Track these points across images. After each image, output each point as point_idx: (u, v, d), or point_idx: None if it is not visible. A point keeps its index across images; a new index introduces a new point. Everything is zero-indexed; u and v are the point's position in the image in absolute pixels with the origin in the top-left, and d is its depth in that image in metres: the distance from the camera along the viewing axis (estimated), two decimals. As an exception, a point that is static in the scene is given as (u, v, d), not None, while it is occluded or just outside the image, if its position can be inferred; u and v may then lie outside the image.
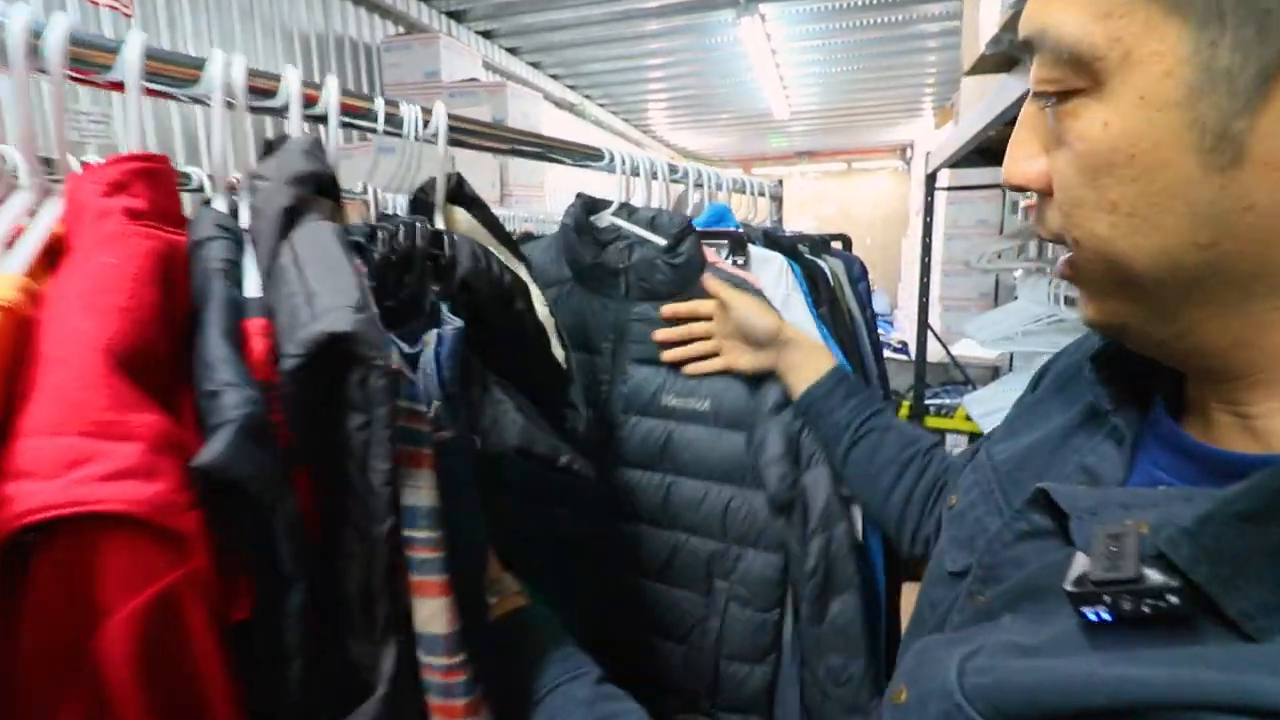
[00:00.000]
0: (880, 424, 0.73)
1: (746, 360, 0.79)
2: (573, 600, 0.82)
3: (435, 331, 0.46)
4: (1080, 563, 0.32)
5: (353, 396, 0.35)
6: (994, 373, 2.91)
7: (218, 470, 0.28)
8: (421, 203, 0.70)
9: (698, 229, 0.87)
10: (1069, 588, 0.31)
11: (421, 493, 0.40)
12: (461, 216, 0.75)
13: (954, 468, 0.67)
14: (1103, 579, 0.30)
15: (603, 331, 0.86)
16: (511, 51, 3.44)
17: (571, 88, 4.11)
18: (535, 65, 3.67)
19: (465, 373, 0.47)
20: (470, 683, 0.43)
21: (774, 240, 1.08)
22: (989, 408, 1.88)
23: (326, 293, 0.35)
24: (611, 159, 0.93)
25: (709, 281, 0.81)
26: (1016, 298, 2.13)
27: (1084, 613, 0.31)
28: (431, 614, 0.40)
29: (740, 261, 0.93)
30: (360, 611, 0.37)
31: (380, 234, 0.46)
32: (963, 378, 2.76)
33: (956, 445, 2.61)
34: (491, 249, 0.61)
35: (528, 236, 1.36)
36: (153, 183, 0.43)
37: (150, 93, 0.49)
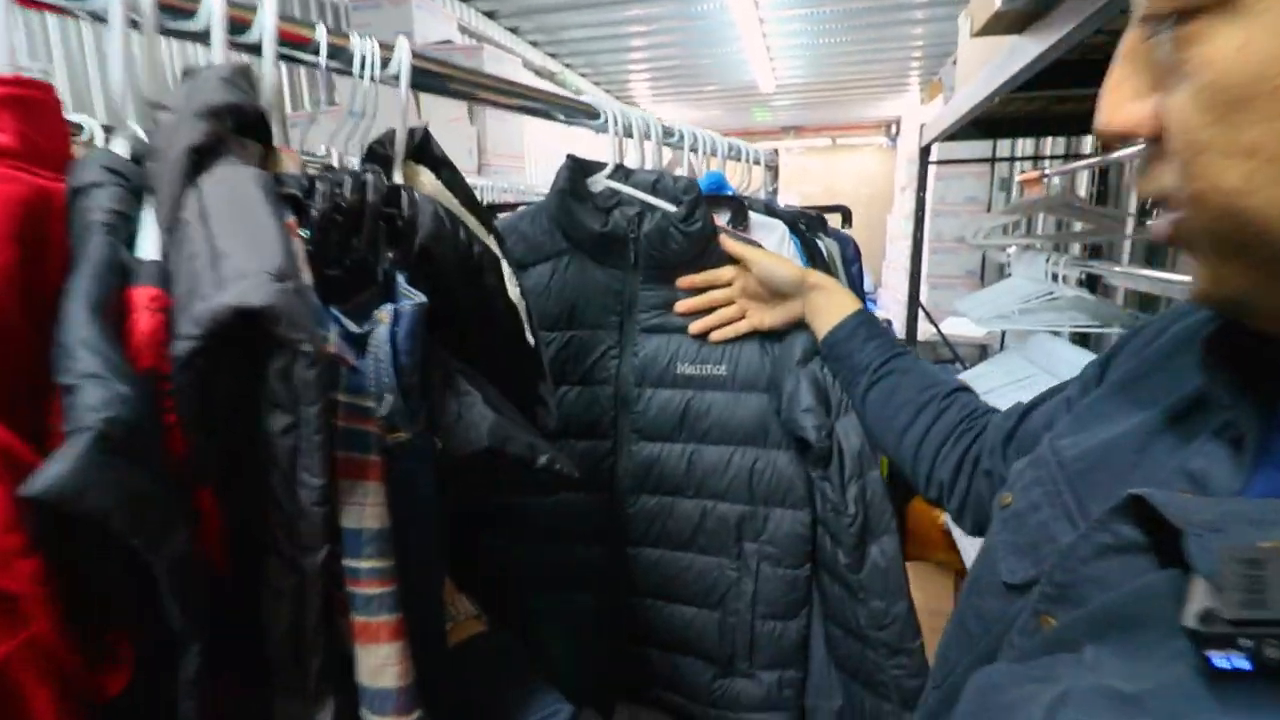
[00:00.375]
0: (900, 366, 0.71)
1: (772, 316, 0.78)
2: (600, 584, 0.81)
3: (391, 307, 0.37)
4: (1201, 593, 0.25)
5: (274, 391, 0.27)
6: (982, 351, 2.87)
7: (60, 501, 0.20)
8: (378, 157, 0.60)
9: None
10: (1192, 624, 0.25)
11: (367, 512, 0.32)
12: (427, 179, 0.65)
13: (993, 424, 0.62)
14: (1242, 618, 0.24)
15: (609, 304, 0.80)
16: (489, 15, 3.29)
17: (552, 55, 3.96)
18: (514, 30, 3.51)
19: (426, 359, 0.39)
20: None
21: (773, 212, 1.01)
22: (981, 388, 1.84)
23: (239, 254, 0.27)
24: (606, 117, 0.84)
25: (727, 242, 0.78)
26: (1009, 274, 2.08)
27: (1210, 658, 0.24)
28: (380, 664, 0.33)
29: (741, 229, 0.86)
30: (289, 663, 0.29)
31: (322, 186, 0.37)
32: (951, 356, 2.72)
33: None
34: (460, 217, 0.52)
35: (498, 209, 1.26)
36: (25, 113, 0.34)
37: (29, 3, 0.39)
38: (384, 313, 0.37)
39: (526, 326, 0.58)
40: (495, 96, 0.71)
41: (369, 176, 0.41)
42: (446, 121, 2.44)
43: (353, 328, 0.37)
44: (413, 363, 0.37)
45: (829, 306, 0.75)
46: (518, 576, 0.81)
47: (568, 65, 4.13)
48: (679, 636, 0.81)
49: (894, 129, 6.18)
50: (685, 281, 0.79)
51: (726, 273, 0.78)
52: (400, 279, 0.41)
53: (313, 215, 0.37)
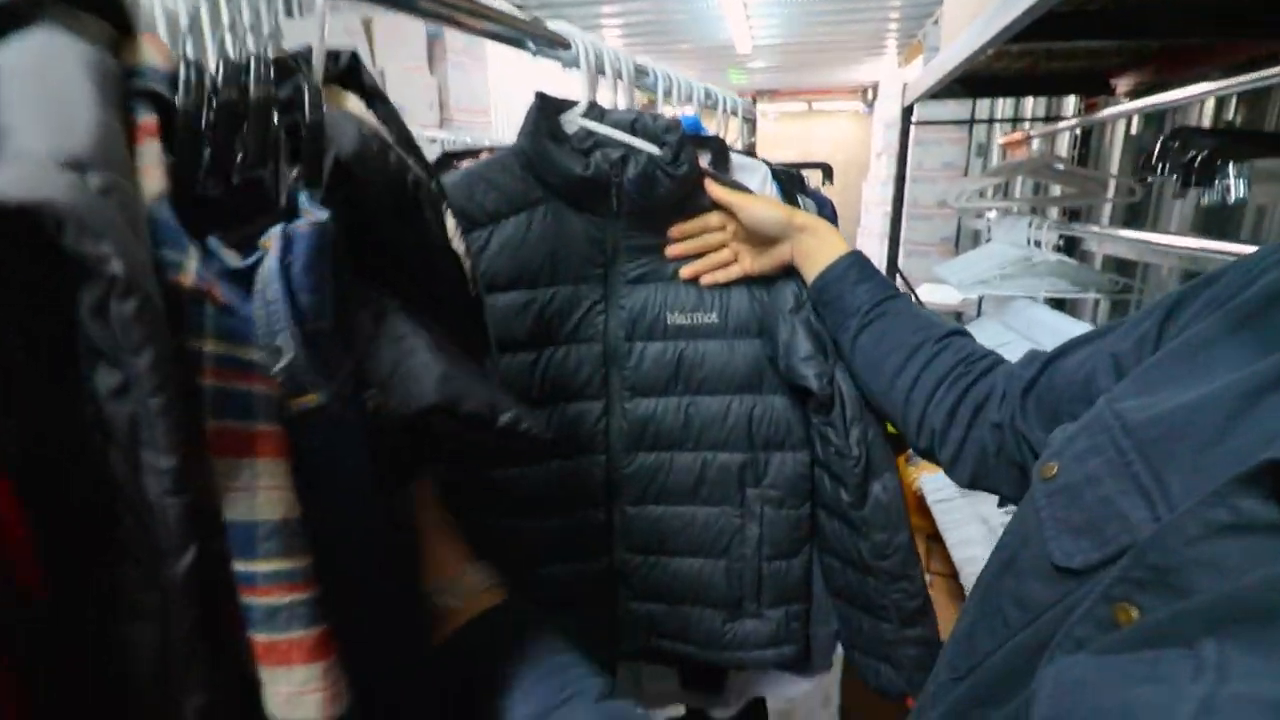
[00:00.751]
0: (893, 308, 0.68)
1: (760, 262, 0.74)
2: (601, 548, 0.78)
3: (279, 228, 0.28)
4: None
5: (91, 336, 0.20)
6: (958, 318, 2.86)
7: None
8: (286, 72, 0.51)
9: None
10: None
11: (260, 499, 0.25)
12: (355, 106, 0.56)
13: (1004, 372, 0.58)
14: None
15: (591, 255, 0.74)
16: (451, -41, 3.10)
17: (519, 6, 3.77)
18: (478, -23, 3.32)
19: (341, 295, 0.30)
20: None
21: (754, 157, 0.93)
22: (960, 355, 1.81)
23: (27, 131, 0.19)
24: (578, 48, 0.75)
25: (713, 188, 0.73)
26: (987, 240, 2.05)
27: None
28: (295, 690, 0.25)
29: (723, 171, 0.79)
30: (157, 705, 0.22)
31: (190, 75, 0.28)
32: (926, 324, 2.69)
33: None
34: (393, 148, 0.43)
35: (448, 160, 1.13)
36: None
37: None
38: (269, 238, 0.28)
39: (471, 286, 0.50)
40: (457, 15, 0.62)
41: (254, 60, 0.32)
42: (403, 70, 2.29)
43: (233, 261, 0.28)
44: (317, 301, 0.28)
45: (818, 249, 0.72)
46: (514, 549, 0.76)
47: (535, 16, 3.94)
48: (687, 588, 0.80)
49: (870, 94, 6.10)
50: (678, 230, 0.74)
51: (715, 218, 0.74)
52: (303, 198, 0.32)
53: (179, 112, 0.28)
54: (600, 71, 0.80)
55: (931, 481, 1.61)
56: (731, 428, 0.76)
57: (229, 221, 0.30)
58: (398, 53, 2.31)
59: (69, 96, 0.21)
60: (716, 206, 0.74)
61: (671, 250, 0.74)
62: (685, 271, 0.74)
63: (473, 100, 2.55)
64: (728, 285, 0.75)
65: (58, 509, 0.21)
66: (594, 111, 0.72)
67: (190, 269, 0.24)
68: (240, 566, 0.25)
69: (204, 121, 0.29)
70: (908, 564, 0.73)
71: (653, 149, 0.70)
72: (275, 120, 0.32)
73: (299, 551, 0.26)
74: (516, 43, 0.68)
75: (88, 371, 0.21)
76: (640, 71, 0.88)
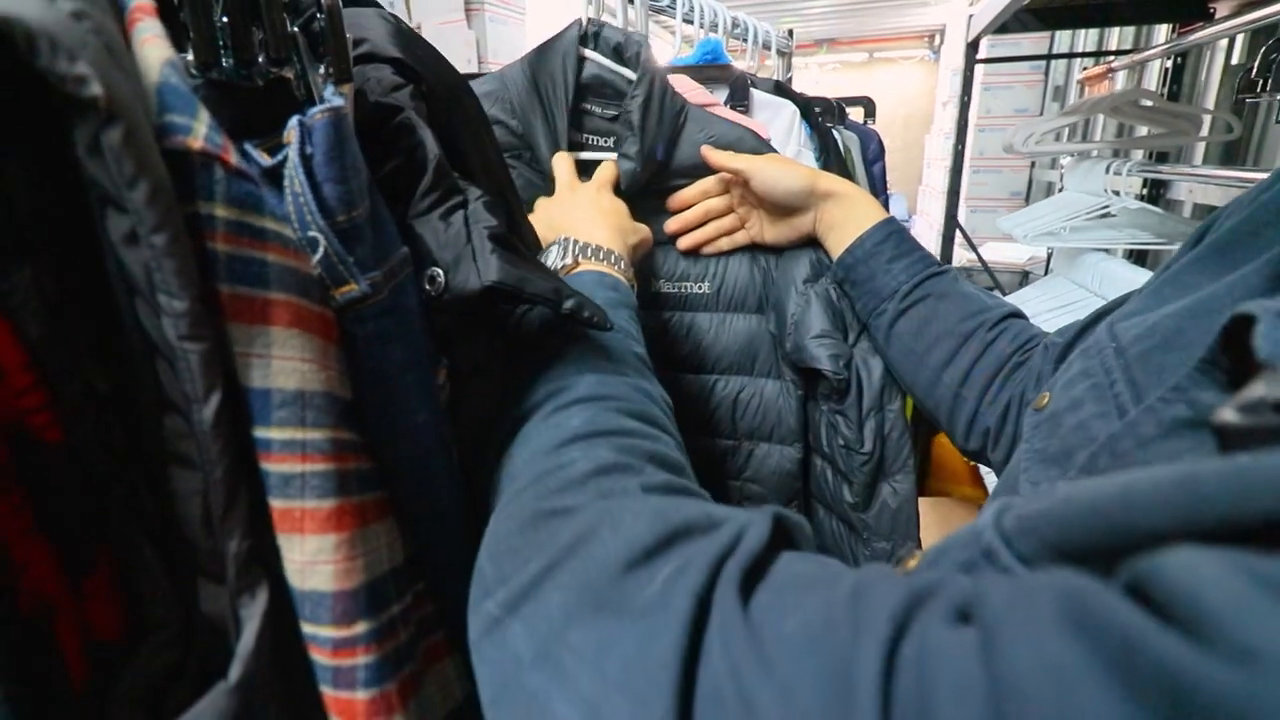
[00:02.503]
0: (937, 288, 0.57)
1: (775, 230, 0.64)
2: None
3: (295, 121, 0.27)
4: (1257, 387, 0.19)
5: (94, 178, 0.20)
6: (1023, 278, 2.68)
7: None
8: None
9: (679, 65, 0.65)
10: (1230, 417, 0.19)
11: (274, 367, 0.24)
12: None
13: (1040, 346, 0.50)
14: None
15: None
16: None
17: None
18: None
19: (370, 190, 0.29)
20: (378, 667, 0.28)
21: (785, 92, 0.85)
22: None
23: None
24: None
25: (710, 154, 0.64)
26: (1062, 189, 1.88)
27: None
28: (307, 560, 0.25)
29: (741, 107, 0.71)
30: (202, 540, 0.23)
31: None
32: (991, 282, 2.53)
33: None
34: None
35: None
36: None
37: None
38: (290, 131, 0.27)
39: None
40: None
41: None
42: (440, 25, 2.25)
43: (263, 160, 0.27)
44: (344, 191, 0.27)
45: (846, 219, 0.60)
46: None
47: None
48: None
49: (937, 40, 5.71)
50: (674, 201, 0.66)
51: (714, 182, 0.65)
52: (329, 90, 0.30)
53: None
54: (608, -9, 0.73)
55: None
56: (712, 411, 0.69)
57: (262, 129, 0.28)
58: (434, 6, 2.27)
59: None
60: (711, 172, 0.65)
61: (670, 225, 0.66)
62: (682, 243, 0.67)
63: (511, 53, 2.49)
64: (730, 251, 0.67)
65: (112, 360, 0.22)
66: (590, 32, 0.65)
67: (200, 132, 0.22)
68: (257, 432, 0.24)
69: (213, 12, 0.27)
70: None
71: (629, 74, 0.62)
72: (289, 18, 0.29)
73: (318, 425, 0.26)
74: None
75: (101, 219, 0.20)
76: (655, -7, 0.81)
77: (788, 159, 0.65)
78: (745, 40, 1.00)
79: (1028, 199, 3.10)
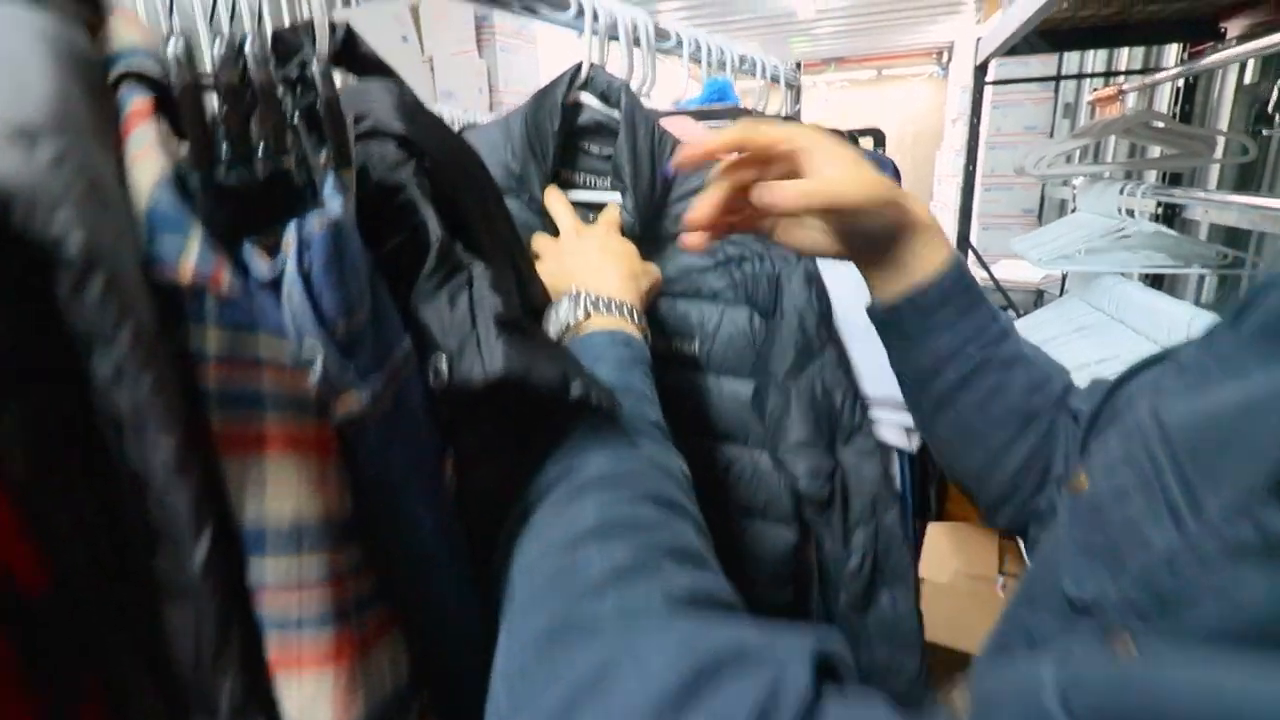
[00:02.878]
0: (1002, 354, 0.46)
1: (814, 239, 0.47)
2: None
3: (293, 230, 0.26)
4: None
5: (77, 321, 0.20)
6: (1037, 297, 2.65)
7: None
8: (291, 54, 0.47)
9: (685, 109, 0.64)
10: None
11: (270, 498, 0.23)
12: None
13: (1066, 413, 0.45)
14: None
15: None
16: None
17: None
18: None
19: (372, 281, 0.29)
20: None
21: (792, 130, 0.84)
22: (1038, 337, 1.65)
23: None
24: (580, 11, 0.69)
25: (740, 133, 0.44)
26: (1075, 210, 1.86)
27: None
28: (307, 700, 0.25)
29: (745, 151, 0.70)
30: (198, 689, 0.23)
31: (178, 46, 0.26)
32: (1005, 302, 2.51)
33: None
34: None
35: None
36: None
37: None
38: (288, 239, 0.27)
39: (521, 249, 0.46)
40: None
41: (244, 39, 0.29)
42: (451, 55, 2.29)
43: (263, 272, 0.26)
44: (342, 299, 0.26)
45: (913, 255, 0.45)
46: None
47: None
48: None
49: (945, 56, 5.72)
50: (681, 157, 0.46)
51: (731, 136, 0.44)
52: (329, 185, 0.29)
53: (173, 92, 0.25)
54: (613, 36, 0.74)
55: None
56: (702, 484, 0.63)
57: (264, 221, 0.28)
58: (446, 37, 2.31)
59: (19, 65, 0.20)
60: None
61: (689, 217, 0.46)
62: (689, 240, 0.46)
63: (521, 82, 2.52)
64: (719, 307, 0.59)
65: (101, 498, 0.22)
66: (591, 77, 0.65)
67: (191, 256, 0.22)
68: (252, 565, 0.24)
69: (208, 104, 0.27)
70: (913, 691, 0.58)
71: (613, 113, 0.60)
72: (287, 103, 0.30)
73: (315, 551, 0.25)
74: (502, 4, 0.62)
75: (86, 358, 0.20)
76: (660, 34, 0.81)
77: (858, 155, 0.44)
78: (753, 75, 1.00)
79: (1040, 216, 3.07)
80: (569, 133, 0.63)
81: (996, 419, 0.46)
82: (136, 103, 0.24)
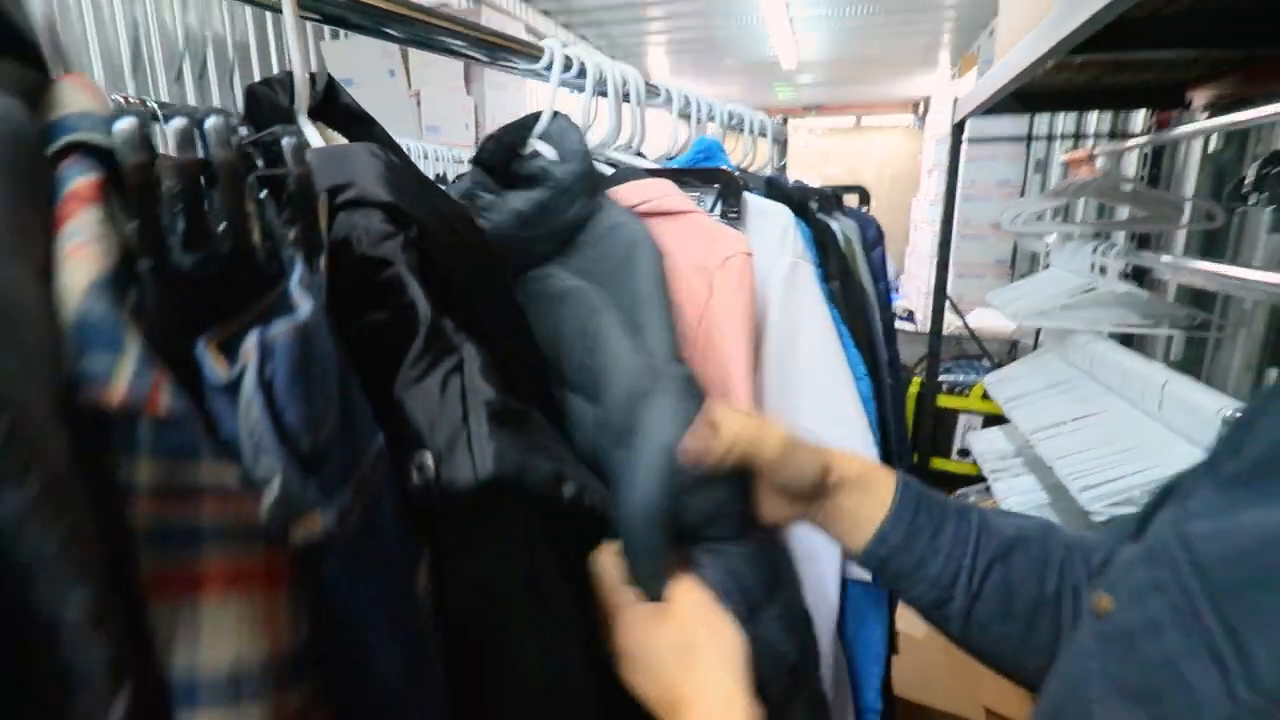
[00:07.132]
0: (994, 551, 0.47)
1: (771, 506, 0.50)
2: None
3: (254, 337, 0.23)
4: None
5: None
6: (1011, 347, 2.69)
7: None
8: (266, 110, 0.46)
9: (672, 167, 0.64)
10: None
11: (204, 642, 0.20)
12: (334, 141, 0.51)
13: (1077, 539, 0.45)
14: None
15: None
16: (494, -21, 3.11)
17: (565, 26, 3.77)
18: (522, -3, 3.34)
19: (346, 385, 0.26)
20: None
21: (779, 191, 0.85)
22: (1014, 391, 1.67)
23: None
24: (550, 63, 0.68)
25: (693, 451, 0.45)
26: (1047, 265, 1.90)
27: None
28: None
29: (733, 214, 0.70)
30: None
31: (128, 125, 0.23)
32: (979, 351, 2.54)
33: (970, 425, 2.40)
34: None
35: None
36: None
37: None
38: (248, 348, 0.23)
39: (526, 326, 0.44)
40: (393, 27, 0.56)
41: (214, 119, 0.26)
42: (439, 91, 2.29)
43: (218, 377, 0.23)
44: (310, 413, 0.23)
45: (860, 503, 0.49)
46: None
47: (582, 36, 3.94)
48: None
49: (922, 108, 5.91)
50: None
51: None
52: (295, 276, 0.26)
53: (125, 173, 0.23)
54: (601, 93, 0.73)
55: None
56: None
57: (225, 308, 0.25)
58: (434, 74, 2.31)
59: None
60: None
61: None
62: None
63: (509, 120, 2.54)
64: None
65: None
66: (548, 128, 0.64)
67: (123, 375, 0.19)
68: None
69: (163, 182, 0.24)
70: None
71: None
72: (252, 182, 0.27)
73: (257, 698, 0.22)
74: (459, 54, 0.62)
75: None
76: (650, 90, 0.81)
77: (788, 440, 0.48)
78: (741, 130, 1.01)
79: (1013, 266, 3.14)
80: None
81: (1024, 618, 0.45)
82: (78, 184, 0.22)
